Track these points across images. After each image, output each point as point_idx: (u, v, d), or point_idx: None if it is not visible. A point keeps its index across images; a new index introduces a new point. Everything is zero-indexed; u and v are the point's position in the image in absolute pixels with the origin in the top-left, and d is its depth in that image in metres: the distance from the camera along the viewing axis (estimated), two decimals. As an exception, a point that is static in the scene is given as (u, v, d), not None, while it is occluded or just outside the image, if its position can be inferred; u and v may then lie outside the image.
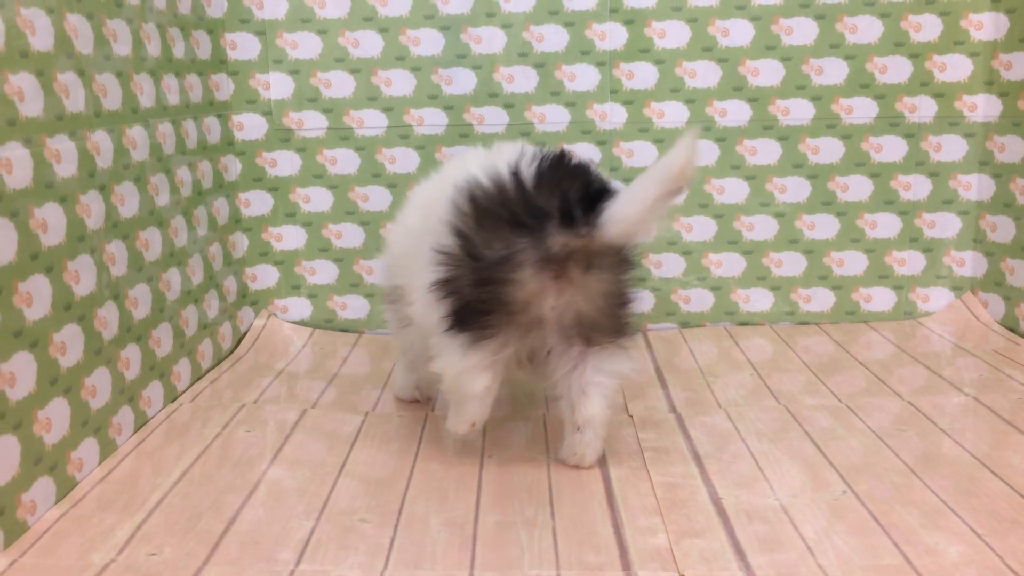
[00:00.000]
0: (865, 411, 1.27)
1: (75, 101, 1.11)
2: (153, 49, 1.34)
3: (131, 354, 1.22)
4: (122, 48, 1.25)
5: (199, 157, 1.50)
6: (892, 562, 0.88)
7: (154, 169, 1.32)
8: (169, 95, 1.39)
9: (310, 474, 1.11)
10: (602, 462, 1.14)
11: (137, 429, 1.23)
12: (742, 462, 1.13)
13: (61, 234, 1.06)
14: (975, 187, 1.68)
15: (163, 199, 1.34)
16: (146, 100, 1.31)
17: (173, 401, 1.35)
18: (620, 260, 1.07)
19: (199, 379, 1.45)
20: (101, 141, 1.17)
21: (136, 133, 1.26)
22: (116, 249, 1.19)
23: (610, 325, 1.08)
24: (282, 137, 1.69)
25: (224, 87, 1.64)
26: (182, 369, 1.38)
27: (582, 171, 1.06)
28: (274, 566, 0.89)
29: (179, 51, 1.44)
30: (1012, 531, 0.93)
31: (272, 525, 0.98)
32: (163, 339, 1.32)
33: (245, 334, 1.68)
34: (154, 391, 1.28)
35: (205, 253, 1.51)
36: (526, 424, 1.27)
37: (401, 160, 1.70)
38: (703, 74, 1.67)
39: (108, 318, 1.16)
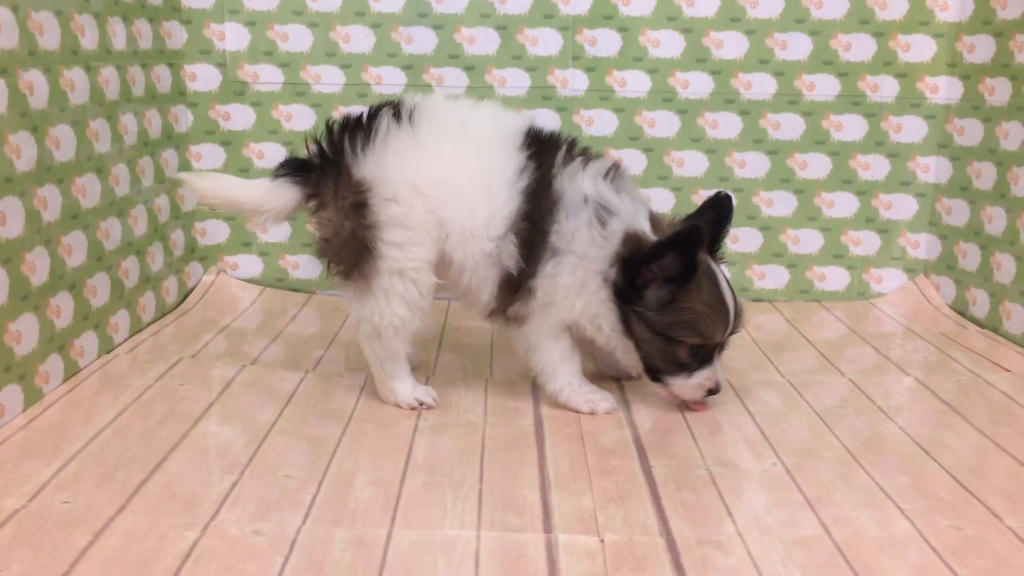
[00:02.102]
0: (809, 389, 1.27)
1: (7, 38, 1.07)
2: (98, -10, 1.31)
3: (62, 302, 1.19)
4: (63, -13, 1.21)
5: (146, 106, 1.46)
6: (811, 533, 0.88)
7: (95, 114, 1.28)
8: (114, 39, 1.35)
9: (240, 429, 1.10)
10: (539, 427, 1.13)
11: (67, 378, 1.20)
12: (677, 433, 1.13)
13: (-13, 174, 1.03)
14: (933, 169, 1.68)
15: (104, 146, 1.31)
16: (88, 42, 1.27)
17: (109, 352, 1.32)
18: None
19: (139, 331, 1.42)
20: (35, 81, 1.13)
21: (75, 75, 1.23)
22: (48, 193, 1.16)
23: None
24: (236, 90, 1.66)
25: (176, 35, 1.60)
26: (120, 320, 1.36)
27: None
28: (189, 518, 0.87)
29: (128, -5, 1.40)
30: (936, 509, 0.93)
31: (193, 478, 0.96)
32: (99, 289, 1.29)
33: (192, 290, 1.65)
34: (87, 341, 1.26)
35: (150, 204, 1.47)
36: (467, 389, 1.26)
37: (358, 119, 1.67)
38: (667, 44, 1.65)
39: (37, 264, 1.13)
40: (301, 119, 1.67)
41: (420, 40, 1.64)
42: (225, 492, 0.93)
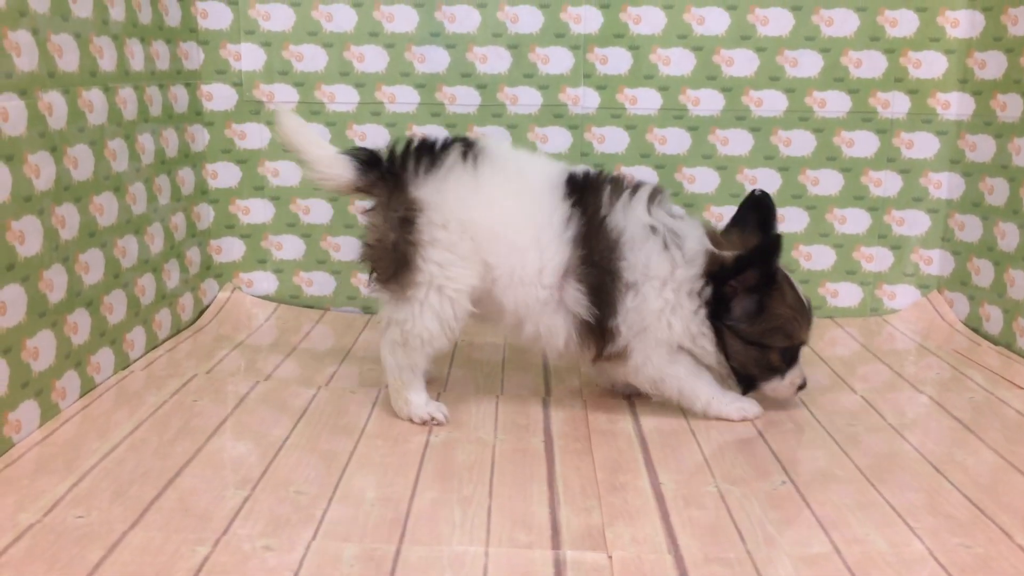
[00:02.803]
0: (821, 407, 1.27)
1: (28, 60, 1.10)
2: (116, 13, 1.33)
3: (79, 319, 1.21)
4: (81, 10, 1.23)
5: (164, 125, 1.49)
6: (821, 551, 0.88)
7: (112, 134, 1.30)
8: (132, 60, 1.37)
9: (253, 445, 1.11)
10: (548, 444, 1.14)
11: (84, 394, 1.22)
12: (687, 449, 1.13)
13: (6, 193, 1.04)
14: (945, 185, 1.67)
15: (121, 165, 1.33)
16: (106, 64, 1.29)
17: (125, 368, 1.34)
18: None
19: (154, 348, 1.44)
20: (54, 102, 1.15)
21: (93, 96, 1.25)
22: (67, 212, 1.18)
23: None
24: (252, 109, 1.68)
25: (193, 56, 1.62)
26: (136, 337, 1.37)
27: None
28: (200, 533, 0.88)
29: (145, 17, 1.43)
30: (947, 527, 0.93)
31: (205, 494, 0.97)
32: (116, 306, 1.31)
33: (208, 306, 1.67)
34: (104, 357, 1.27)
35: (167, 222, 1.49)
36: (478, 405, 1.27)
37: (372, 137, 1.69)
38: (677, 61, 1.66)
39: (55, 281, 1.15)
40: (315, 137, 1.69)
41: (433, 59, 1.66)
42: (237, 507, 0.94)
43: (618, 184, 1.21)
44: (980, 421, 1.21)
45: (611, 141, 1.68)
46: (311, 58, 1.66)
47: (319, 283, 1.74)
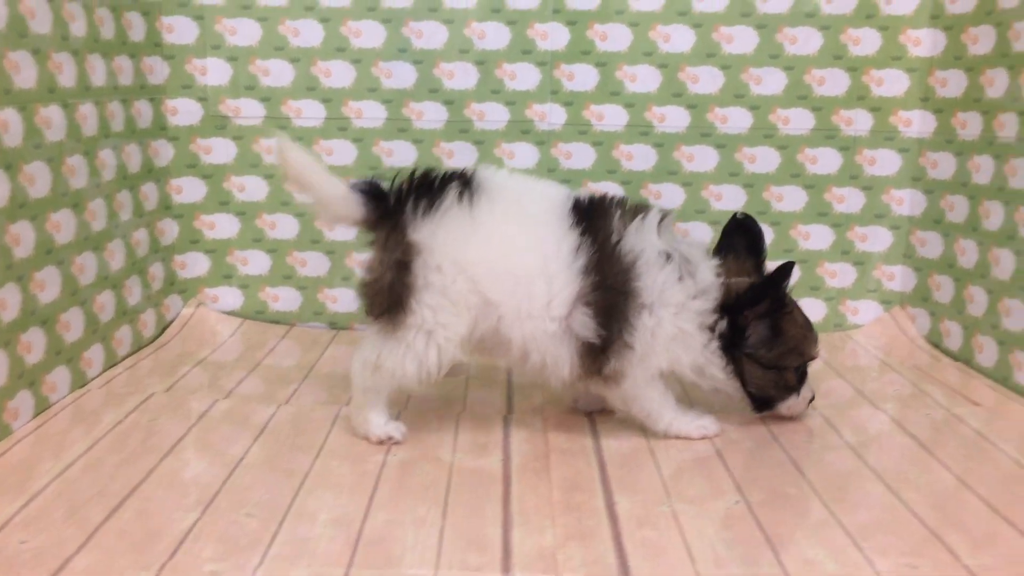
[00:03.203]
0: (779, 424, 1.27)
1: (-19, 77, 1.09)
2: (77, 28, 1.32)
3: (33, 338, 1.20)
4: (40, 26, 1.22)
5: (126, 140, 1.48)
6: (769, 572, 0.88)
7: (71, 150, 1.30)
8: (93, 76, 1.37)
9: (208, 464, 1.10)
10: (507, 463, 1.13)
11: (38, 414, 1.21)
12: (645, 469, 1.13)
13: (-43, 212, 1.04)
14: (907, 202, 1.69)
15: (80, 181, 1.32)
16: (65, 80, 1.29)
17: (82, 387, 1.32)
18: None
19: (113, 366, 1.43)
20: (9, 119, 1.14)
21: (51, 112, 1.24)
22: (21, 230, 1.17)
23: None
24: (217, 124, 1.67)
25: (158, 71, 1.62)
26: (94, 355, 1.36)
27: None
28: (146, 557, 0.88)
29: (108, 32, 1.42)
30: (896, 547, 0.93)
31: (155, 516, 0.96)
32: (73, 324, 1.30)
33: (171, 322, 1.66)
34: (60, 376, 1.26)
35: (128, 238, 1.48)
36: (439, 422, 1.26)
37: (339, 152, 1.69)
38: (643, 78, 1.66)
39: (8, 300, 1.14)
40: (281, 152, 1.68)
41: (400, 75, 1.66)
42: (186, 530, 0.94)
43: (626, 207, 1.20)
44: (937, 439, 1.22)
45: (578, 157, 1.69)
46: (277, 73, 1.66)
47: (285, 298, 1.74)
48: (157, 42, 1.61)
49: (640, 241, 1.17)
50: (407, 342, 1.15)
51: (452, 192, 1.16)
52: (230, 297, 1.73)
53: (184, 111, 1.66)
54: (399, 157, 1.68)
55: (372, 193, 1.17)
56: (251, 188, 1.70)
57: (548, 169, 1.68)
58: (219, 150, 1.68)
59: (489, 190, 1.17)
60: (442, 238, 1.15)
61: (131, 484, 1.03)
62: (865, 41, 1.65)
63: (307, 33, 1.65)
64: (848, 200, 1.70)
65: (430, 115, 1.68)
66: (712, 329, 1.18)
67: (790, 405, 1.25)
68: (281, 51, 1.65)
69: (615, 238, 1.16)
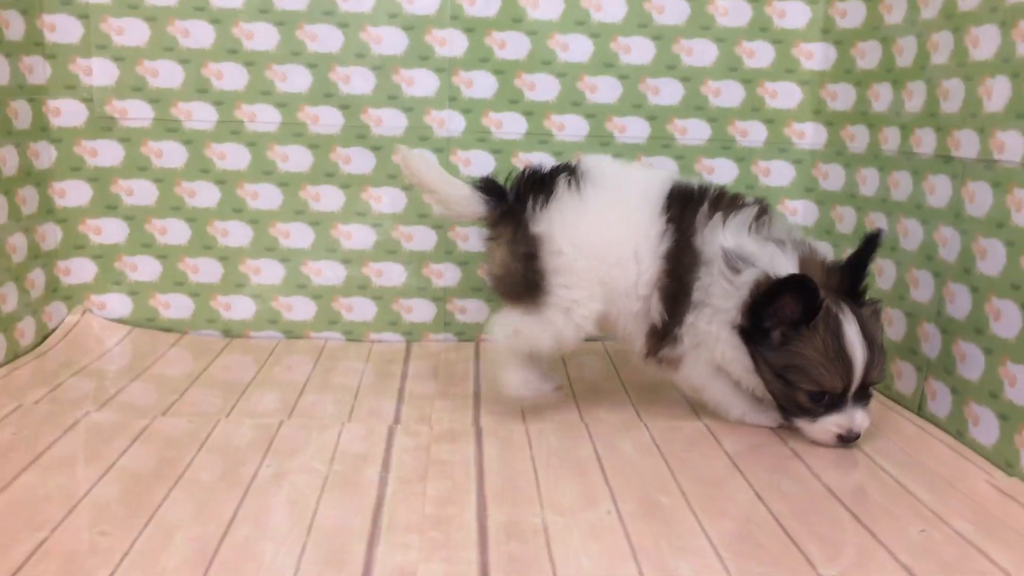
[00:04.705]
0: (667, 433, 1.27)
1: None
2: (-58, 24, 1.27)
3: None
4: None
5: (2, 142, 1.42)
6: (628, 585, 0.88)
7: (-67, 151, 1.24)
8: (-40, 74, 1.31)
9: (66, 480, 1.06)
10: (384, 475, 1.11)
11: None
12: (524, 479, 1.12)
13: None
14: (801, 212, 1.72)
15: (-57, 184, 1.26)
16: (-74, 78, 1.23)
17: (-56, 399, 1.27)
18: None
19: (-17, 376, 1.37)
20: None
21: (-92, 112, 1.19)
22: None
23: None
24: (104, 126, 1.62)
25: (39, 70, 1.56)
26: (-41, 365, 1.31)
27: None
28: (-21, 581, 0.84)
29: (-21, 29, 1.36)
30: (754, 555, 0.93)
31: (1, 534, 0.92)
32: (-67, 333, 1.24)
33: (53, 330, 1.60)
34: (-84, 388, 1.20)
35: (3, 244, 1.42)
36: (320, 432, 1.24)
37: (231, 156, 1.65)
38: (542, 87, 1.66)
39: None
40: (172, 156, 1.64)
41: (294, 78, 1.63)
42: (30, 551, 0.89)
43: (718, 202, 1.26)
44: (810, 448, 1.24)
45: (477, 164, 1.68)
46: (167, 74, 1.61)
47: (176, 305, 1.69)
48: (38, 41, 1.55)
49: (709, 240, 1.23)
50: (548, 319, 1.27)
51: (562, 181, 1.28)
52: (118, 304, 1.68)
53: (68, 112, 1.60)
54: (294, 162, 1.65)
55: (493, 192, 1.30)
56: (140, 192, 1.65)
57: (447, 176, 1.67)
58: (105, 153, 1.63)
59: (594, 177, 1.29)
60: (558, 224, 1.26)
61: (-20, 502, 0.99)
62: (759, 54, 1.67)
63: (197, 34, 1.61)
64: (743, 210, 1.72)
65: (326, 120, 1.65)
66: (735, 321, 1.21)
67: (802, 426, 1.23)
68: (170, 52, 1.61)
69: (691, 232, 1.24)
